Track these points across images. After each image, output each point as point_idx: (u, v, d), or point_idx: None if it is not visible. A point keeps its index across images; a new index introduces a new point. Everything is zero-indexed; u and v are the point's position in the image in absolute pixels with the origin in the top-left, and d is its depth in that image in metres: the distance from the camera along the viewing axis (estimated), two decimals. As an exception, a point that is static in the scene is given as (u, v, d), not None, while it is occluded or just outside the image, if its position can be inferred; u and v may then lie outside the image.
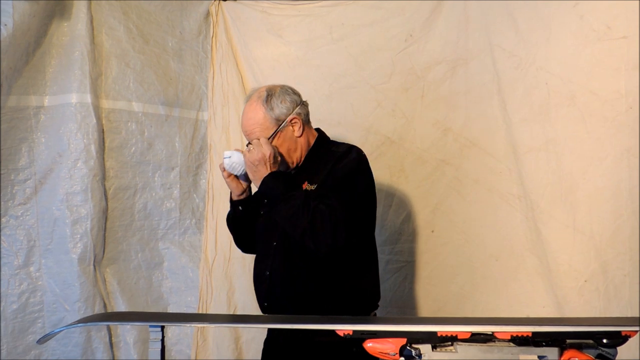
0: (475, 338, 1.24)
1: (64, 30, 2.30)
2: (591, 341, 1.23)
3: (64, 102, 2.29)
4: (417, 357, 1.25)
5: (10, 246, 2.23)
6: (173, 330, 2.67)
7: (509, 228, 2.26)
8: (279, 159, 1.69)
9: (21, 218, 2.25)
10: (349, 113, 2.58)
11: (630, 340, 1.22)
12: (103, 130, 2.40)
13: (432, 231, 2.46)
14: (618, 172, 1.94)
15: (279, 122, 1.71)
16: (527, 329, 1.23)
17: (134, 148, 2.53)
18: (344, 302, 1.65)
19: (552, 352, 1.22)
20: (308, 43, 2.66)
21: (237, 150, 1.77)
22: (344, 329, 1.29)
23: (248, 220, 1.86)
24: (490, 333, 1.25)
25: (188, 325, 2.61)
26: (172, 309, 2.68)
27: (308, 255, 1.60)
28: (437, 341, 1.26)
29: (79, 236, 2.32)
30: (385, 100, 2.52)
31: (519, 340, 1.23)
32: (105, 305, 2.40)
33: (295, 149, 1.75)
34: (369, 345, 1.29)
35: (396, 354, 1.27)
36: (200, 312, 2.66)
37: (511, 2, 2.18)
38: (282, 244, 1.70)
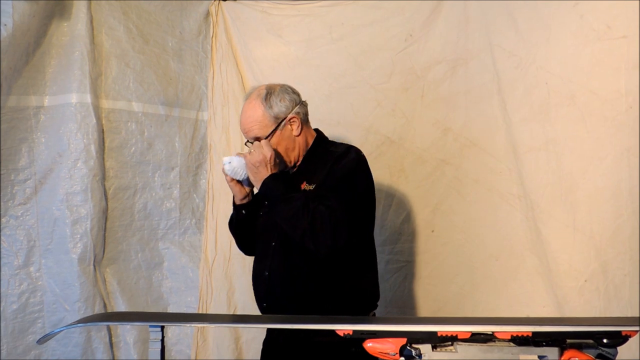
0: (476, 338, 1.24)
1: (64, 30, 2.30)
2: (591, 341, 1.23)
3: (63, 102, 2.29)
4: (417, 357, 1.25)
5: (10, 246, 2.23)
6: (173, 330, 2.67)
7: (509, 228, 2.26)
8: (278, 160, 1.69)
9: (21, 218, 2.25)
10: (348, 113, 2.58)
11: (631, 340, 1.22)
12: (103, 130, 2.41)
13: (432, 231, 2.46)
14: (618, 172, 1.94)
15: (278, 121, 1.71)
16: (527, 329, 1.23)
17: (133, 148, 2.53)
18: (343, 302, 1.65)
19: (552, 352, 1.22)
20: (308, 43, 2.66)
21: (238, 154, 1.76)
22: (343, 329, 1.29)
23: (251, 224, 1.86)
24: (491, 333, 1.25)
25: (188, 325, 2.61)
26: (172, 309, 2.68)
27: (307, 255, 1.60)
28: (437, 341, 1.26)
29: (79, 236, 2.32)
30: (385, 100, 2.52)
31: (519, 340, 1.23)
32: (105, 305, 2.41)
33: (293, 148, 1.75)
34: (369, 345, 1.29)
35: (396, 354, 1.27)
36: (200, 312, 2.66)
37: (511, 2, 2.17)
38: (280, 244, 1.70)
